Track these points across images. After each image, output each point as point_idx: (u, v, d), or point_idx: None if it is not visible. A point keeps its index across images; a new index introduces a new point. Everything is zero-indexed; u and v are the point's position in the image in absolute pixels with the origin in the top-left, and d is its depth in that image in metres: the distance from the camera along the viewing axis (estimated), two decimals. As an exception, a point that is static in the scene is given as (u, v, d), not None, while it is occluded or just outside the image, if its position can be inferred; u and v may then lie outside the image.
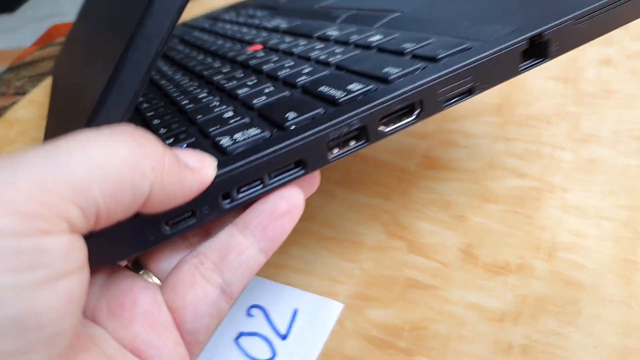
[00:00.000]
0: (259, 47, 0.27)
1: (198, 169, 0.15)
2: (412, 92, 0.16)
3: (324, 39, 0.24)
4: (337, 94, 0.17)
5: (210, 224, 0.17)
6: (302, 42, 0.24)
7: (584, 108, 0.27)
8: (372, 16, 0.24)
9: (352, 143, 0.16)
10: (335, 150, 0.16)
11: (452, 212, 0.23)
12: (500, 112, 0.28)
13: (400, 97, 0.16)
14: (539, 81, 0.29)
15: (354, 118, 0.15)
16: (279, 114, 0.17)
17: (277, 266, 0.22)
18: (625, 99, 0.27)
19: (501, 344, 0.18)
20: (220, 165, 0.15)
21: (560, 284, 0.20)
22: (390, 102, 0.16)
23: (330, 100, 0.17)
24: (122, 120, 0.15)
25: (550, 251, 0.21)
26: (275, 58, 0.23)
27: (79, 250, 0.13)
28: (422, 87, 0.16)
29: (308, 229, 0.23)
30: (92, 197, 0.13)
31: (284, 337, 0.20)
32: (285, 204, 0.16)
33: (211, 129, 0.18)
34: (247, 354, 0.20)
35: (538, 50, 0.17)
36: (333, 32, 0.24)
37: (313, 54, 0.22)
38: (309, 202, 0.24)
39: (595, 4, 0.17)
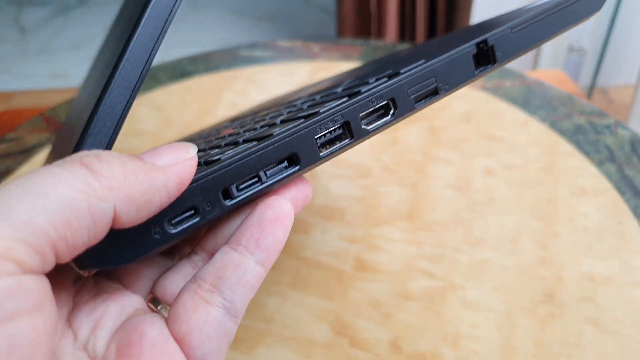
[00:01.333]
0: (229, 130, 0.29)
1: (171, 166, 0.15)
2: (384, 90, 0.18)
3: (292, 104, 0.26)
4: (318, 108, 0.19)
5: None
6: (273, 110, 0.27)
7: (474, 214, 0.35)
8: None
9: (339, 142, 0.18)
10: (325, 149, 0.18)
11: (380, 309, 0.30)
12: (412, 218, 0.35)
13: (374, 95, 0.18)
14: (439, 189, 0.37)
15: (337, 114, 0.18)
16: (264, 134, 0.19)
17: (246, 365, 0.28)
18: (503, 206, 0.36)
19: (423, 420, 0.25)
20: (215, 163, 0.17)
21: (463, 368, 0.27)
22: (365, 100, 0.18)
23: (311, 114, 0.19)
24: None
25: (454, 340, 0.28)
26: (249, 125, 0.26)
27: (30, 292, 0.12)
28: (391, 87, 0.18)
29: (270, 330, 0.29)
30: (41, 230, 0.12)
31: None
32: (272, 212, 0.17)
33: (200, 160, 0.19)
34: None
35: (487, 57, 0.20)
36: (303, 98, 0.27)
37: (284, 109, 0.24)
38: (268, 305, 0.30)
39: (523, 17, 0.20)
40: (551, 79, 0.53)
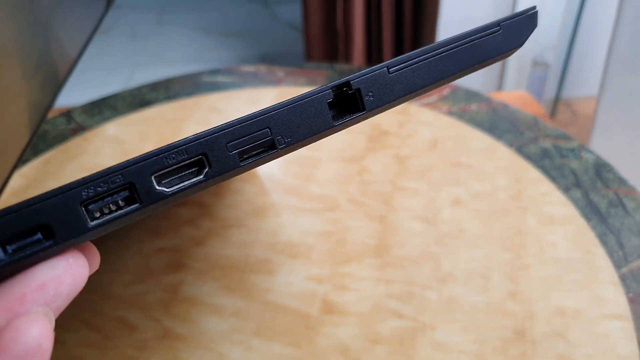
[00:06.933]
0: None
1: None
2: (190, 144, 0.15)
3: None
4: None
5: None
6: None
7: (443, 248, 0.34)
8: None
9: (121, 209, 0.15)
10: (98, 218, 0.14)
11: (349, 356, 0.28)
12: (380, 254, 0.34)
13: (176, 149, 0.15)
14: (406, 222, 0.36)
15: (115, 174, 0.14)
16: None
17: (208, 423, 0.26)
18: (472, 238, 0.35)
19: None
20: None
21: (434, 417, 0.26)
22: (160, 156, 0.15)
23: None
24: None
25: (425, 387, 0.27)
26: None
27: None
28: (201, 139, 0.15)
29: (232, 383, 0.28)
30: None
31: None
32: (10, 357, 0.13)
33: None
34: None
35: (353, 102, 0.17)
36: None
37: None
38: (232, 356, 0.28)
39: (408, 55, 0.17)
40: (516, 100, 0.53)
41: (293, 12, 1.81)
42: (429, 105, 0.48)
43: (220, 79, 0.53)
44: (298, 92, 0.18)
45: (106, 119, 0.47)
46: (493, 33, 0.18)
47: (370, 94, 0.17)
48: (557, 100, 1.21)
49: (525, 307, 0.31)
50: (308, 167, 0.41)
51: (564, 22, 1.11)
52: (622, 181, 0.40)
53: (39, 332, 0.13)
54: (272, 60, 1.58)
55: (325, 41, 1.13)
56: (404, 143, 0.43)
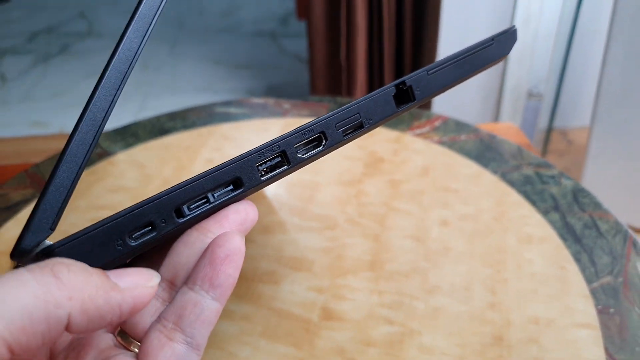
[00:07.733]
0: None
1: (131, 289, 0.17)
2: (315, 125, 0.22)
3: None
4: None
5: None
6: None
7: (431, 263, 0.38)
8: None
9: (278, 168, 0.21)
10: (266, 174, 0.21)
11: (344, 356, 0.32)
12: (374, 268, 0.38)
13: (306, 129, 0.22)
14: (398, 240, 0.40)
15: (274, 145, 0.21)
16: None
17: (220, 412, 0.30)
18: (457, 254, 0.39)
19: None
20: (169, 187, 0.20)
21: (419, 408, 0.29)
22: (299, 133, 0.22)
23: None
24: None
25: (411, 383, 0.31)
26: None
27: None
28: (321, 122, 0.22)
29: (242, 378, 0.31)
30: None
31: None
32: (222, 250, 0.19)
33: None
34: None
35: (407, 95, 0.23)
36: None
37: None
38: (241, 354, 0.32)
39: (437, 62, 0.24)
40: (504, 131, 0.57)
41: (300, 45, 1.88)
42: (421, 135, 0.53)
43: (232, 109, 0.58)
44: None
45: (128, 145, 0.52)
46: (490, 45, 0.25)
47: (418, 89, 0.23)
48: (550, 130, 1.26)
49: (503, 316, 0.34)
50: (310, 190, 0.45)
51: (554, 55, 1.17)
52: (597, 205, 0.44)
53: (240, 240, 0.19)
54: (279, 90, 1.64)
55: (329, 74, 1.19)
56: (397, 169, 0.48)
